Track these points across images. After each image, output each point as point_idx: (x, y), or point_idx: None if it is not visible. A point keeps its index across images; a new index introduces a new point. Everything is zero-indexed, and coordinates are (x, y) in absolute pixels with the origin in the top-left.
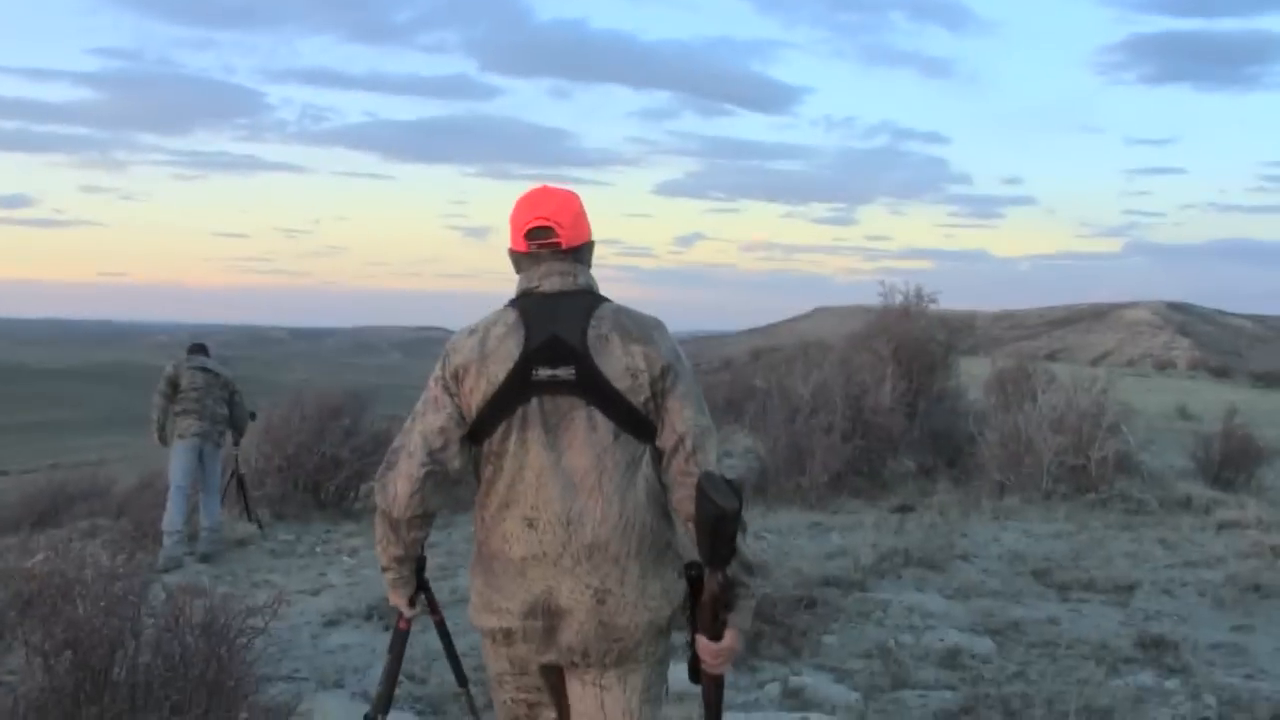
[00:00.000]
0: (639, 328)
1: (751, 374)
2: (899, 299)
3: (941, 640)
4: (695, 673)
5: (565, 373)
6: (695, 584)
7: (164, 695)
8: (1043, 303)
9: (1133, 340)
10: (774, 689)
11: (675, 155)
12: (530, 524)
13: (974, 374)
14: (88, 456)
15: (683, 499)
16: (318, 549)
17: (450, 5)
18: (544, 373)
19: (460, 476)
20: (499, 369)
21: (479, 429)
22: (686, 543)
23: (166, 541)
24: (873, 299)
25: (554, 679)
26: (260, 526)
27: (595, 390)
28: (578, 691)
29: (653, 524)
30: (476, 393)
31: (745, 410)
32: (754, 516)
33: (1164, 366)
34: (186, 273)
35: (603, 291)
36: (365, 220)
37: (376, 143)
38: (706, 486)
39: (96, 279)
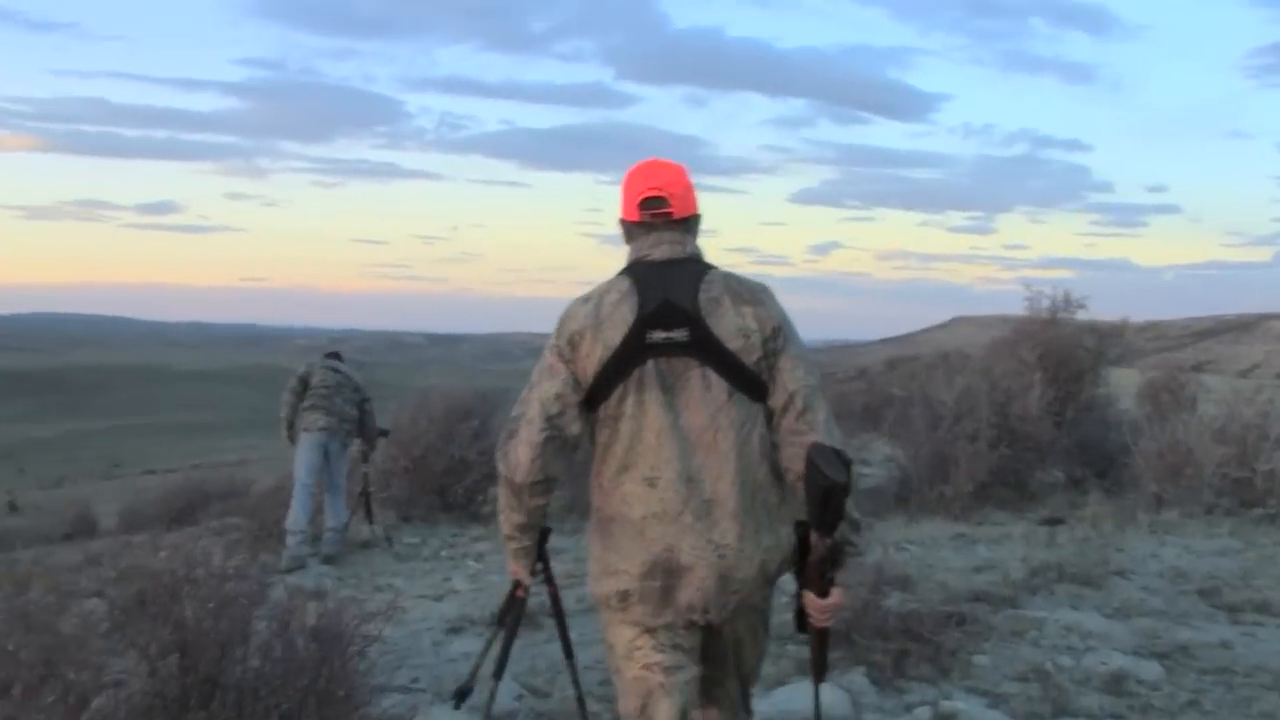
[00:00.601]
0: (749, 290)
1: (887, 383)
2: (1045, 304)
3: (1104, 664)
4: (801, 624)
5: (679, 334)
6: (803, 541)
7: (273, 703)
8: (1188, 313)
9: None
10: (924, 713)
11: (811, 163)
12: (650, 483)
13: (1121, 384)
14: (228, 457)
15: (792, 456)
16: (443, 553)
17: (586, 14)
18: (659, 335)
19: (579, 442)
20: (614, 334)
21: (595, 393)
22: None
23: (290, 541)
24: (1012, 308)
25: (691, 637)
26: (389, 539)
27: (709, 350)
28: (712, 643)
29: (765, 480)
30: (592, 358)
31: (883, 418)
32: (895, 527)
33: None
34: (325, 278)
35: None
36: (501, 227)
37: (513, 150)
38: (816, 458)
39: (239, 283)
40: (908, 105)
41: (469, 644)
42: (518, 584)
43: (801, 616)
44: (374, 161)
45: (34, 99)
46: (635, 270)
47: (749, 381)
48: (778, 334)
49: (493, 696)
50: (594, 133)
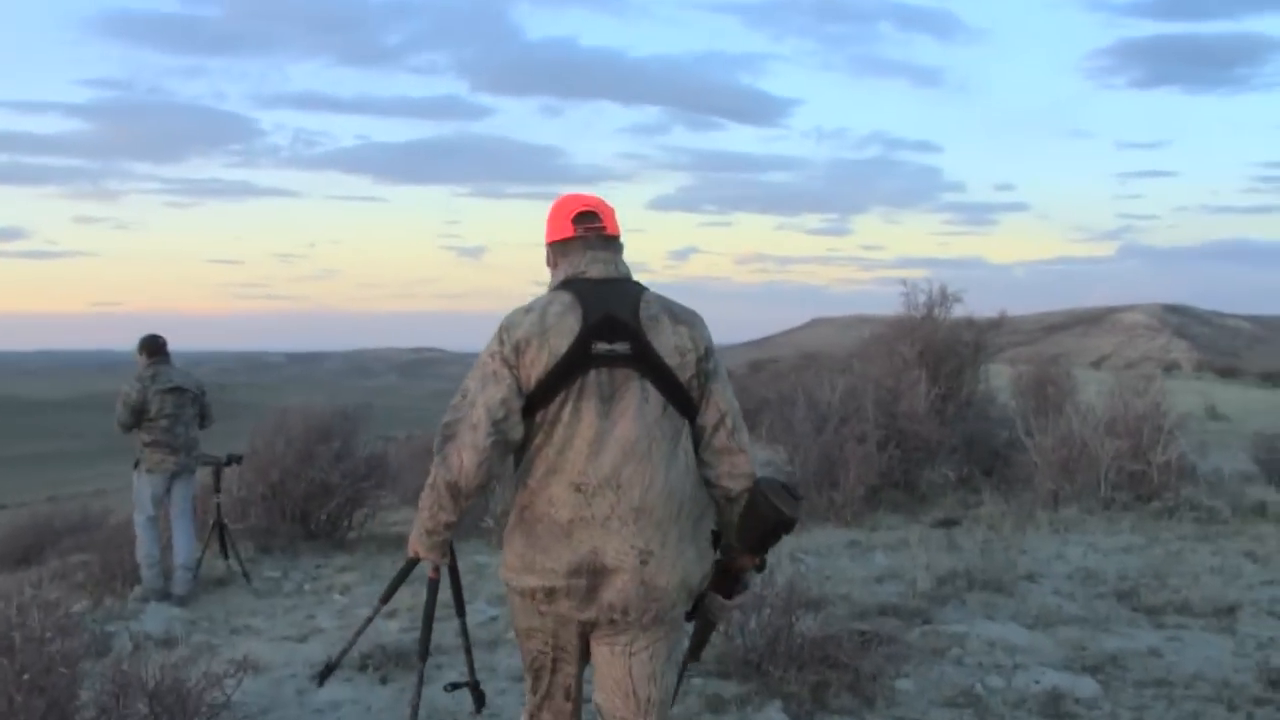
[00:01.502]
0: (684, 313)
1: (754, 385)
2: (922, 299)
3: (1037, 682)
4: (692, 614)
5: (622, 347)
6: (721, 552)
7: None
8: (1039, 308)
9: (1130, 343)
10: None
11: (667, 170)
12: (578, 489)
13: (993, 380)
14: (84, 487)
15: (723, 474)
16: (306, 586)
17: (440, 27)
18: (602, 346)
19: (517, 446)
20: (561, 342)
21: (535, 400)
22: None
23: (145, 574)
24: (871, 308)
25: (580, 639)
26: (246, 575)
27: (649, 364)
28: (605, 656)
29: (691, 493)
30: (538, 364)
31: (759, 421)
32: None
33: (1168, 368)
34: (182, 300)
35: None
36: (360, 243)
37: (369, 165)
38: (769, 492)
39: (92, 309)
40: (761, 110)
41: (336, 691)
42: (434, 569)
43: (695, 608)
44: (228, 180)
45: None
46: (573, 285)
47: (681, 398)
48: (709, 356)
49: (420, 679)
50: (450, 145)
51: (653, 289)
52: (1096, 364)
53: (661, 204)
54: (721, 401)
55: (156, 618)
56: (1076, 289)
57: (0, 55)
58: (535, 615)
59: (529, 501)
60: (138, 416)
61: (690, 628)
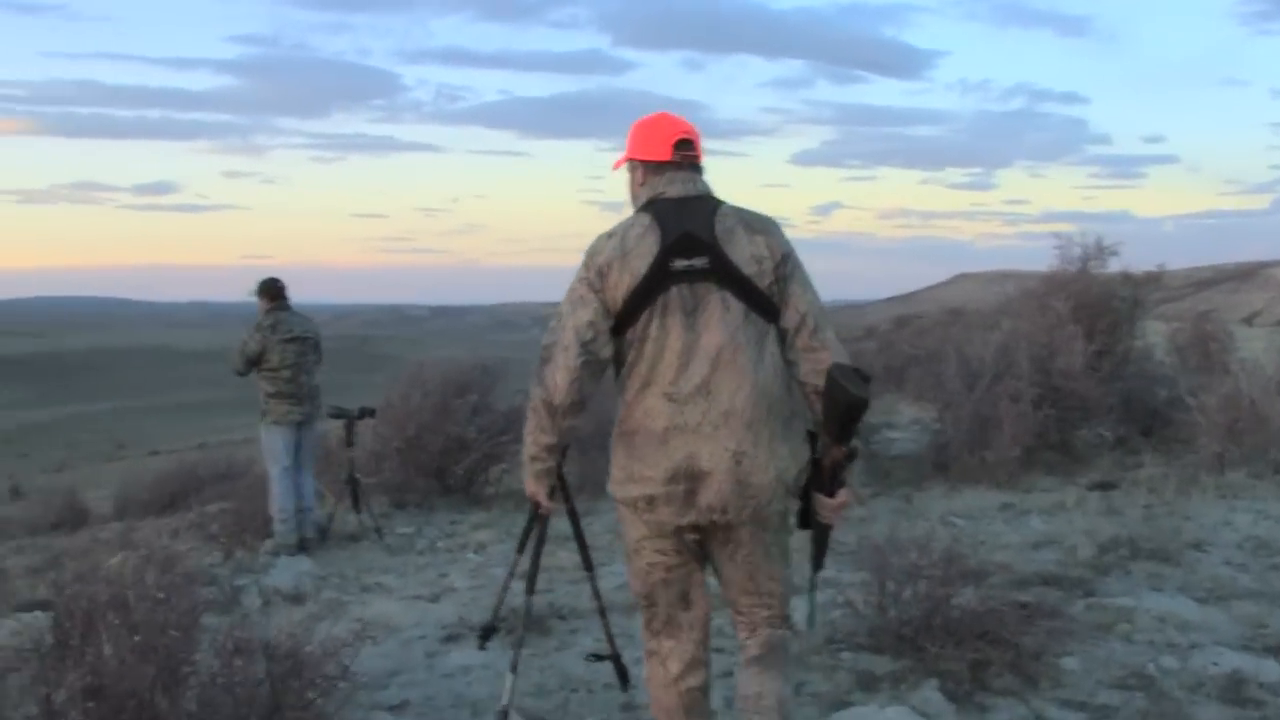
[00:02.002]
0: (759, 222)
1: (899, 341)
2: (1077, 253)
3: (1215, 664)
4: (805, 521)
5: (700, 262)
6: (815, 449)
7: None
8: (1188, 263)
9: None
10: None
11: (810, 124)
12: (671, 398)
13: (1149, 337)
14: (233, 435)
15: (808, 371)
16: (439, 544)
17: None
18: (680, 263)
19: (608, 365)
20: (640, 263)
21: (623, 319)
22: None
23: (280, 528)
24: (1015, 263)
25: (693, 542)
26: (378, 531)
27: (727, 276)
28: (720, 559)
29: (780, 393)
30: (621, 286)
31: (906, 378)
32: (936, 497)
33: None
34: (328, 254)
35: None
36: (503, 197)
37: (512, 120)
38: (839, 376)
39: (240, 261)
40: (905, 63)
41: (467, 655)
42: (538, 505)
43: (805, 515)
44: (372, 135)
45: (26, 82)
46: (653, 207)
47: (762, 304)
48: (787, 260)
49: (528, 612)
50: (592, 100)
51: (793, 239)
52: (1248, 320)
53: (804, 159)
54: (801, 303)
55: (286, 572)
56: (1227, 243)
57: (150, 13)
58: (641, 525)
59: (627, 415)
60: (252, 365)
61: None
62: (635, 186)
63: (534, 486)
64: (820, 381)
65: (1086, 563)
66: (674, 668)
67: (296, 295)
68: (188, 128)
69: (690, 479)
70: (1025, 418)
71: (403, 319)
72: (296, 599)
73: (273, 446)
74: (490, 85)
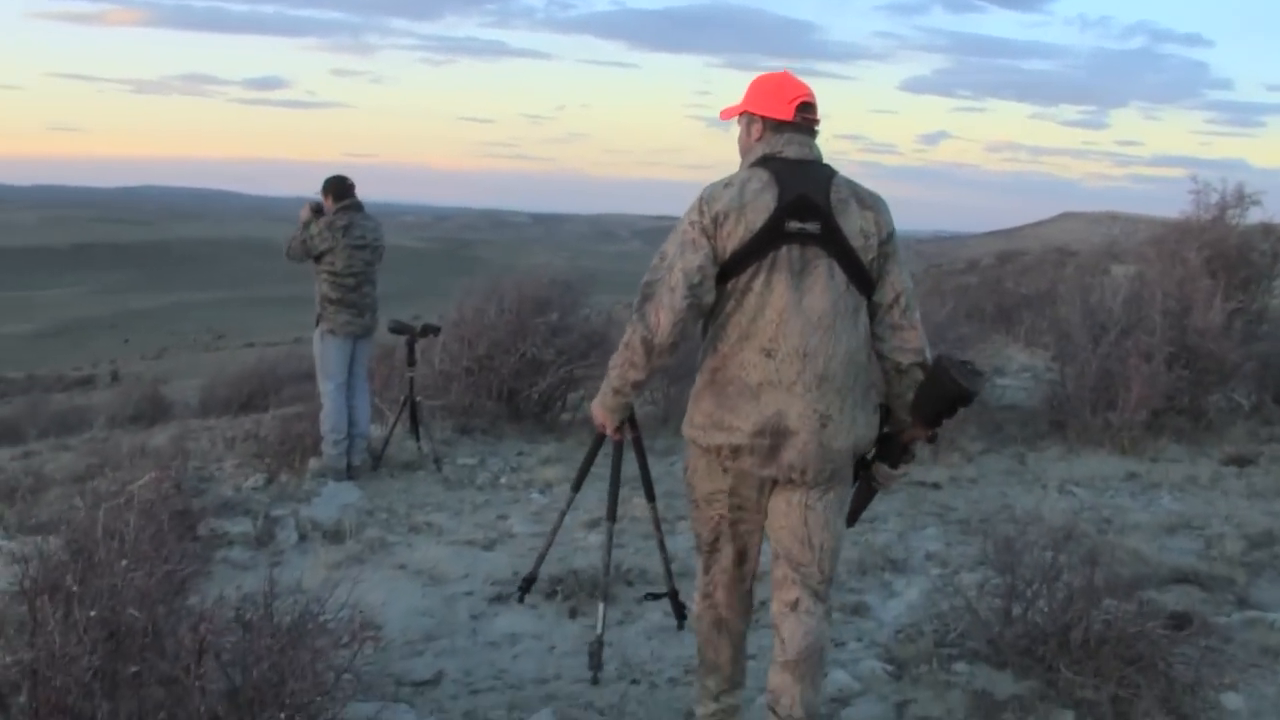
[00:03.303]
0: (870, 198)
1: (1005, 278)
2: (1214, 200)
3: None
4: (854, 477)
5: (812, 227)
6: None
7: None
8: None
9: None
10: None
11: (923, 51)
12: (769, 354)
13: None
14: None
15: (894, 348)
16: (502, 479)
17: None
18: (795, 225)
19: (707, 311)
20: (756, 217)
21: (729, 269)
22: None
23: (330, 450)
24: (1122, 205)
25: (758, 498)
26: (436, 462)
27: (836, 245)
28: (782, 508)
29: (865, 364)
30: (734, 237)
31: (1017, 321)
32: (1052, 459)
33: None
34: (431, 155)
35: None
36: (609, 108)
37: (622, 31)
38: (950, 366)
39: (345, 159)
40: None
41: (516, 619)
42: (603, 433)
43: (855, 474)
44: (482, 40)
45: None
46: (770, 164)
47: (862, 277)
48: (890, 239)
49: (568, 506)
50: (704, 14)
51: (899, 167)
52: None
53: (914, 86)
54: (898, 282)
55: (330, 503)
56: None
57: None
58: (718, 474)
59: (720, 364)
60: (308, 259)
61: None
62: (749, 139)
63: (605, 416)
64: (903, 359)
65: (1234, 559)
66: (725, 612)
67: (400, 196)
68: (300, 24)
69: (776, 435)
70: (1157, 378)
71: (502, 224)
72: (336, 536)
73: (327, 359)
74: None
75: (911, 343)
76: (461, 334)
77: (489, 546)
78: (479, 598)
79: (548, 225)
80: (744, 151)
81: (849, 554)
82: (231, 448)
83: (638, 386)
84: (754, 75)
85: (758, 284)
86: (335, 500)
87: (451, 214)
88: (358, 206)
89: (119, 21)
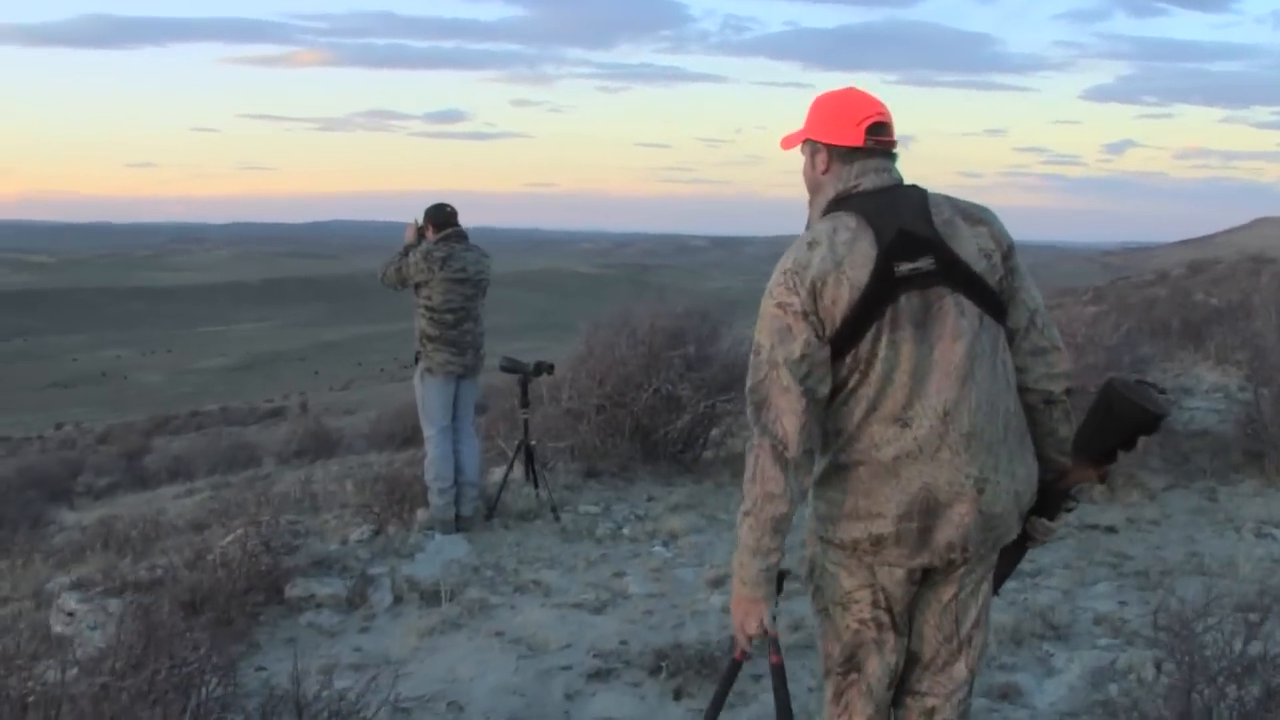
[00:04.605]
0: (977, 210)
1: (1194, 289)
2: None
3: None
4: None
5: (926, 263)
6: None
7: None
8: None
9: None
10: None
11: (1105, 59)
12: (903, 424)
13: None
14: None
15: (1040, 376)
16: (625, 529)
17: None
18: (905, 267)
19: (826, 397)
20: (859, 272)
21: (844, 340)
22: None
23: (436, 500)
24: None
25: (908, 596)
26: (554, 510)
27: (958, 276)
28: (930, 604)
29: (1015, 406)
30: (840, 302)
31: (1207, 335)
32: (1244, 495)
33: None
34: (610, 182)
35: (1031, 204)
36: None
37: (797, 52)
38: (1125, 389)
39: (525, 189)
40: None
41: (615, 701)
42: (743, 652)
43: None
44: (657, 65)
45: (327, 14)
46: (850, 204)
47: (995, 304)
48: (1013, 252)
49: None
50: (879, 32)
51: (1084, 178)
52: None
53: (1097, 94)
54: (1030, 299)
55: (435, 559)
56: None
57: None
58: (860, 570)
59: (845, 446)
60: (403, 287)
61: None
62: (815, 173)
63: (749, 609)
64: (1054, 386)
65: None
66: None
67: (579, 223)
68: (478, 57)
69: (926, 514)
70: None
71: (682, 249)
72: (433, 598)
73: (429, 401)
74: (777, 16)
75: (1058, 365)
76: (591, 369)
77: (599, 610)
78: (577, 673)
79: (727, 248)
80: (810, 187)
81: (1002, 619)
82: (363, 490)
83: (782, 526)
84: (930, 90)
85: (882, 347)
86: (440, 556)
87: (631, 240)
88: (460, 236)
89: (305, 63)
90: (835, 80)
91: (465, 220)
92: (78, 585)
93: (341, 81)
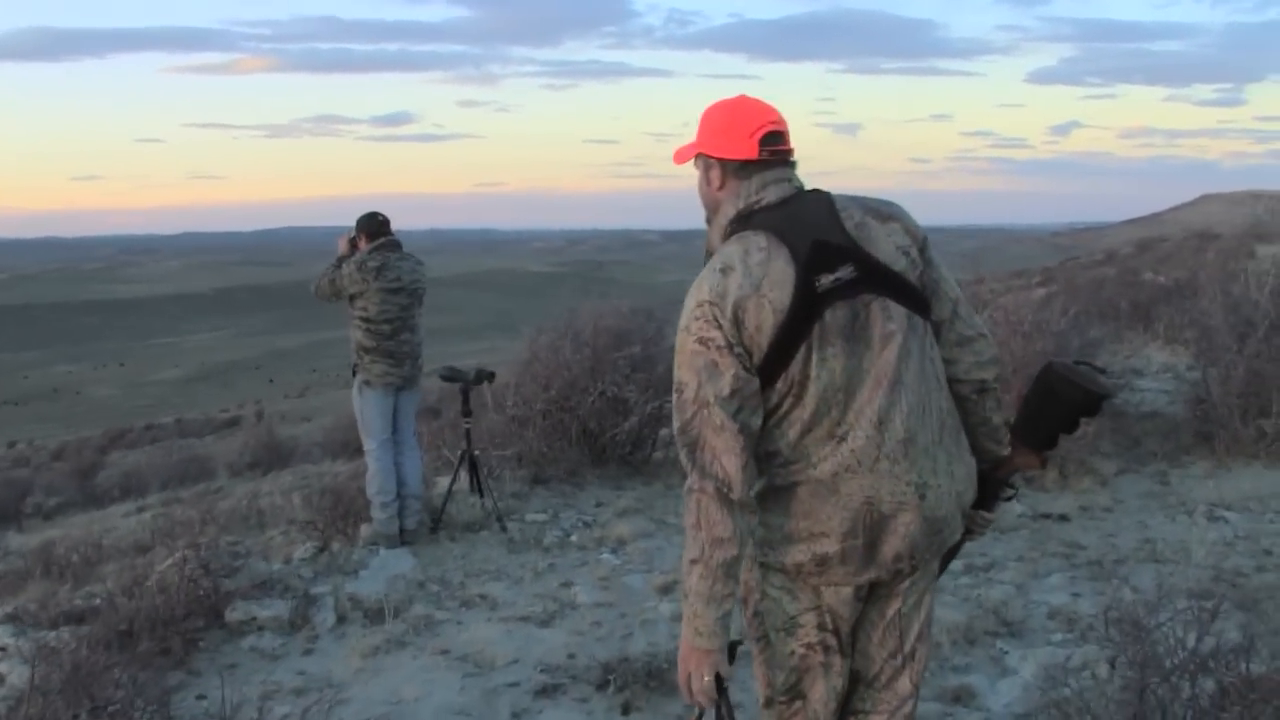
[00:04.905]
0: (884, 206)
1: (1142, 268)
2: None
3: None
4: None
5: (847, 273)
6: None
7: None
8: None
9: None
10: None
11: (1048, 41)
12: (838, 438)
13: None
14: (467, 361)
15: (970, 366)
16: (573, 537)
17: None
18: (827, 279)
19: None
20: (780, 293)
21: (773, 365)
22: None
23: (379, 515)
24: (1265, 183)
25: (853, 613)
26: (500, 520)
27: (880, 280)
28: (873, 619)
29: (948, 404)
30: (764, 327)
31: (1156, 316)
32: (1197, 476)
33: None
34: (560, 180)
35: (980, 187)
36: None
37: (742, 43)
38: (1065, 371)
39: (475, 189)
40: None
41: (562, 716)
42: (694, 691)
43: None
44: (603, 62)
45: (272, 20)
46: (756, 220)
47: (919, 302)
48: (927, 244)
49: None
50: (823, 21)
51: (1031, 160)
52: None
53: (1041, 77)
54: (950, 289)
55: (379, 575)
56: None
57: None
58: (804, 593)
59: (780, 468)
60: (337, 299)
61: None
62: (711, 189)
63: (699, 661)
64: (984, 374)
65: None
66: None
67: (531, 222)
68: (424, 59)
69: (871, 529)
70: None
71: (635, 244)
72: (377, 616)
73: (367, 414)
74: (721, 9)
75: (987, 352)
76: (535, 373)
77: (546, 622)
78: (524, 690)
79: (679, 241)
80: (708, 206)
81: (955, 617)
82: (308, 506)
83: (734, 571)
84: (876, 78)
85: (813, 368)
86: (385, 571)
87: (584, 237)
88: (394, 245)
89: (249, 69)
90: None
91: (417, 222)
92: (7, 619)
93: (287, 87)
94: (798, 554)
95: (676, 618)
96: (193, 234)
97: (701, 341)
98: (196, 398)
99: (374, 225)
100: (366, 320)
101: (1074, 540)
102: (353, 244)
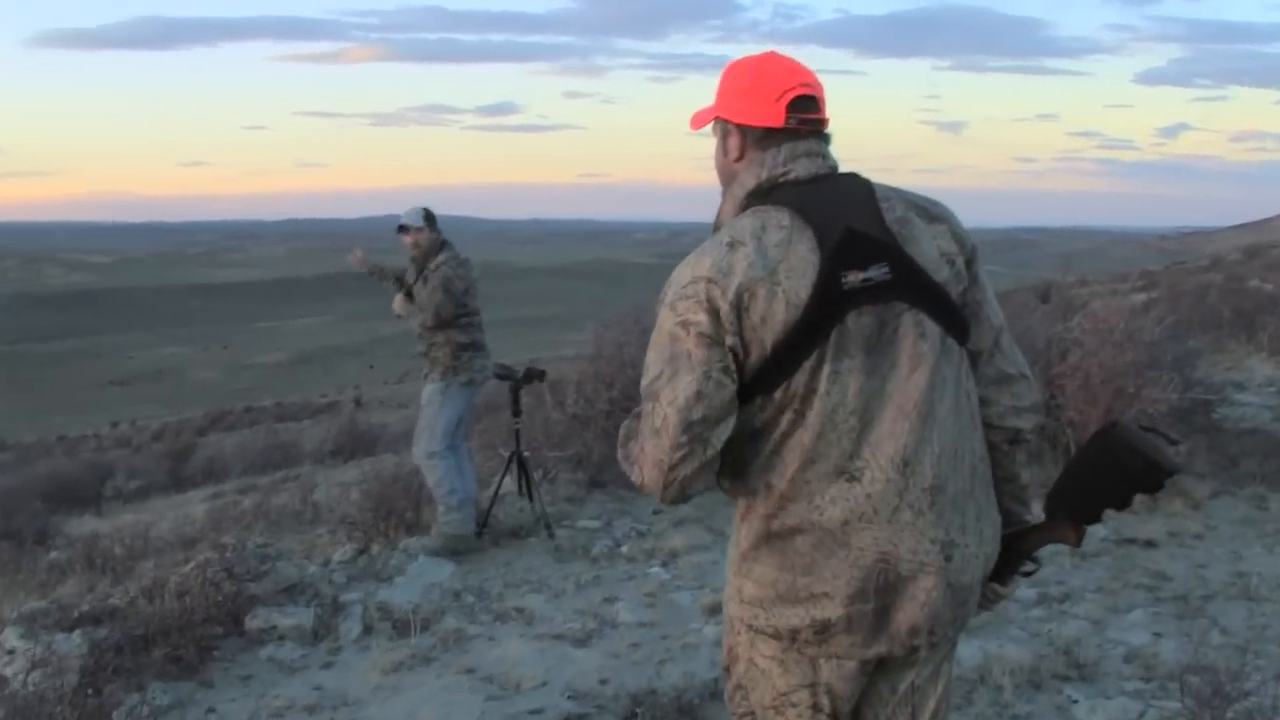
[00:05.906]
0: (932, 204)
1: (1248, 275)
2: None
3: None
4: None
5: (879, 272)
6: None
7: None
8: None
9: None
10: None
11: (1158, 41)
12: (851, 477)
13: None
14: (566, 351)
15: (1005, 410)
16: (623, 547)
17: None
18: (855, 277)
19: (720, 456)
20: (798, 284)
21: (773, 372)
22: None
23: (455, 516)
24: None
25: (857, 691)
26: (548, 526)
27: (917, 288)
28: (884, 696)
29: (982, 449)
30: (773, 322)
31: (1260, 326)
32: None
33: None
34: (663, 172)
35: (1086, 188)
36: (838, 116)
37: (848, 38)
38: (1134, 440)
39: (578, 180)
40: None
41: None
42: None
43: None
44: (709, 55)
45: (379, 10)
46: (781, 196)
47: (958, 322)
48: (976, 257)
49: None
50: (930, 16)
51: (1139, 161)
52: None
53: (1149, 78)
54: (994, 315)
55: (414, 582)
56: None
57: None
58: (799, 666)
59: (777, 508)
60: (459, 309)
61: None
62: (728, 159)
63: None
64: (1022, 423)
65: None
66: None
67: (633, 214)
68: (529, 49)
69: (884, 593)
70: None
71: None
72: (404, 628)
73: (450, 416)
74: (827, 4)
75: (1027, 397)
76: (599, 371)
77: (582, 642)
78: (547, 717)
79: None
80: (723, 177)
81: (1020, 657)
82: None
83: None
84: (982, 76)
85: (822, 381)
86: (421, 579)
87: (687, 229)
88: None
89: (358, 59)
90: (887, 66)
91: (519, 212)
92: (22, 619)
93: (394, 77)
94: (793, 618)
95: (718, 643)
96: (296, 220)
97: (683, 324)
98: (297, 382)
99: (434, 219)
100: (468, 315)
101: (1160, 570)
102: (415, 239)
